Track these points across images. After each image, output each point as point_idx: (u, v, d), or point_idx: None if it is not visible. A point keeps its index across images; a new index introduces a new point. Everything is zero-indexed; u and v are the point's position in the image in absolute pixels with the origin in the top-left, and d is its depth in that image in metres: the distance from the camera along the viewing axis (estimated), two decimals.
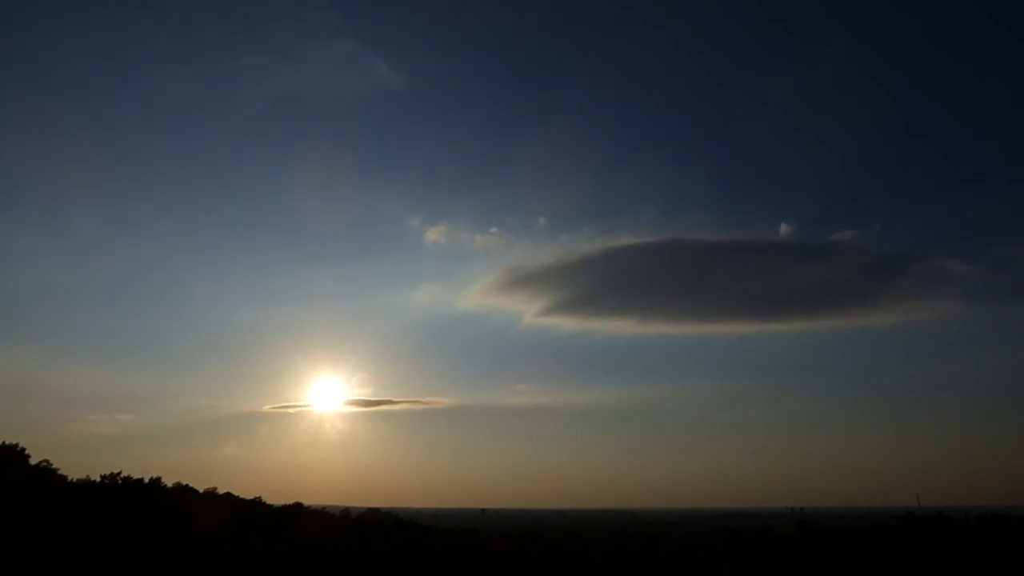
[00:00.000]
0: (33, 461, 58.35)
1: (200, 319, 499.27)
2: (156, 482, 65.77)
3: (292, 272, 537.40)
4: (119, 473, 61.53)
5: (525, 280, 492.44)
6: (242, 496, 78.24)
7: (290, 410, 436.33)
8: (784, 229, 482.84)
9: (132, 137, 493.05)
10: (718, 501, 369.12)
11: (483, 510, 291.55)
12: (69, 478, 59.89)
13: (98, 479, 60.70)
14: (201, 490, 73.39)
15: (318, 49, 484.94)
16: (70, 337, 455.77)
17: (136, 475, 63.15)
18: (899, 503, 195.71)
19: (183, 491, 69.52)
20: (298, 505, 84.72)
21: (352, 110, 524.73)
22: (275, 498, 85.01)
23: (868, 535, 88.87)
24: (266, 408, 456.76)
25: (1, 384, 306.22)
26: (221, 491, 77.28)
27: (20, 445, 57.56)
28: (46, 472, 58.48)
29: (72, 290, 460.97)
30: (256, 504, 77.15)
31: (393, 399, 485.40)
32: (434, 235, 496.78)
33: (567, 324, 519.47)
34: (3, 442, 56.65)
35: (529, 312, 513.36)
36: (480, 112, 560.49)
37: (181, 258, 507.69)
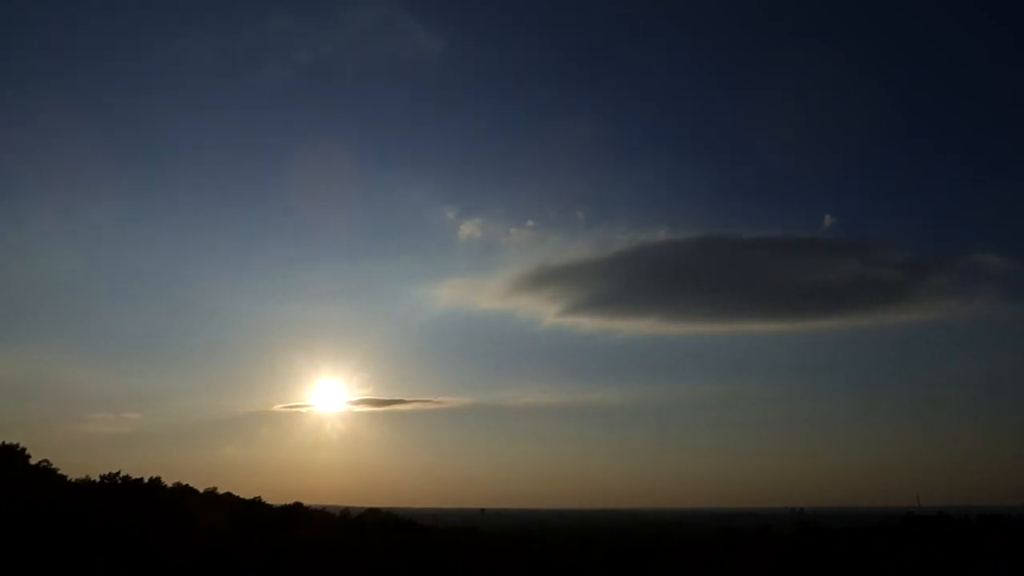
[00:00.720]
0: (34, 461, 58.50)
1: (213, 317, 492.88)
2: (156, 482, 65.87)
3: (310, 268, 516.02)
4: (119, 473, 61.68)
5: (552, 277, 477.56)
6: (242, 496, 78.41)
7: (301, 410, 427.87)
8: (828, 221, 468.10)
9: (137, 131, 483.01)
10: (718, 501, 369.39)
11: (483, 510, 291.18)
12: (69, 478, 59.98)
13: (98, 479, 60.80)
14: (201, 490, 73.54)
15: (353, 13, 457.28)
16: (82, 336, 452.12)
17: (136, 475, 63.39)
18: (899, 503, 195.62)
19: (183, 491, 69.55)
20: (298, 505, 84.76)
21: (385, 86, 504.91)
22: (279, 498, 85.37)
23: (868, 535, 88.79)
24: (277, 407, 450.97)
25: (4, 384, 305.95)
26: (221, 491, 77.44)
27: (20, 445, 57.78)
28: (46, 472, 58.55)
29: (85, 288, 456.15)
30: (256, 504, 77.18)
31: (404, 398, 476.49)
32: (469, 229, 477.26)
33: (588, 324, 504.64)
34: (3, 442, 56.78)
35: (551, 311, 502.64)
36: (520, 97, 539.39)
37: (195, 254, 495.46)
